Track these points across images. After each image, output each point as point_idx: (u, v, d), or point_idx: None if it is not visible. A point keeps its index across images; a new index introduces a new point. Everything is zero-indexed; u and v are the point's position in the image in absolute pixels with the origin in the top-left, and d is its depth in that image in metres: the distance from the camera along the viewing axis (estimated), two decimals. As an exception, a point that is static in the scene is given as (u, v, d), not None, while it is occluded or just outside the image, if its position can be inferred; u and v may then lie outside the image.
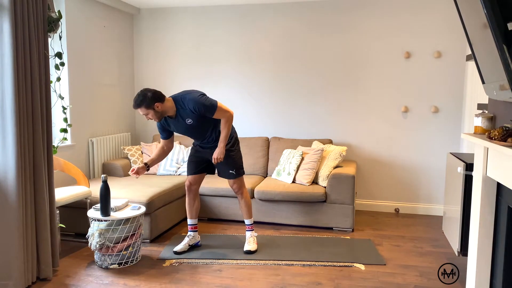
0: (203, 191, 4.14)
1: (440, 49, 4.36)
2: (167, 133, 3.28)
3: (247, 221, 3.48)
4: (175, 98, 3.11)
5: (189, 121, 3.11)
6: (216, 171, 3.44)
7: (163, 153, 3.32)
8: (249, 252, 3.35)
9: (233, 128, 3.37)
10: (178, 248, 3.38)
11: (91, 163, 4.39)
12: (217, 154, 3.16)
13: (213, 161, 3.19)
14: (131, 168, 3.18)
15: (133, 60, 5.17)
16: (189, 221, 3.47)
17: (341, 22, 4.57)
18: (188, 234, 3.46)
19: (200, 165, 3.37)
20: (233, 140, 3.33)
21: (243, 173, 3.39)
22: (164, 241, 3.68)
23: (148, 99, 2.95)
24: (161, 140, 3.33)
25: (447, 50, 4.35)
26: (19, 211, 2.65)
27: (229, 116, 3.14)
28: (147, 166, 3.22)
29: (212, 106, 3.06)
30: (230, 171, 3.31)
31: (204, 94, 3.12)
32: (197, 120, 3.12)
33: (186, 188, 3.41)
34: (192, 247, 3.47)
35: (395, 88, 4.51)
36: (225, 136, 3.16)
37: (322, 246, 3.54)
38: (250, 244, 3.42)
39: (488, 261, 2.37)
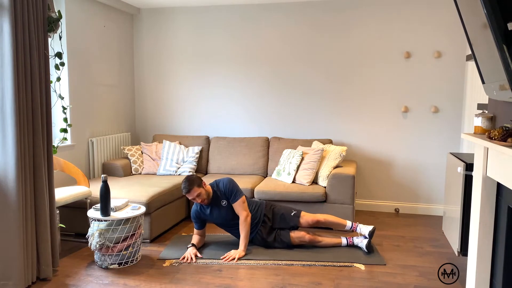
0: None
1: (440, 49, 4.36)
2: (200, 223, 3.42)
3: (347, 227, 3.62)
4: (211, 183, 3.42)
5: (224, 202, 3.36)
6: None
7: (202, 238, 3.48)
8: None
9: (257, 211, 3.49)
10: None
11: (91, 163, 4.39)
12: (234, 253, 3.25)
13: (222, 258, 3.24)
14: (183, 258, 3.23)
15: (133, 60, 5.17)
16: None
17: (341, 22, 4.57)
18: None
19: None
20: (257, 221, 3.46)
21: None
22: (164, 241, 3.68)
23: (196, 178, 3.24)
24: (194, 230, 3.46)
25: (447, 50, 4.34)
26: (19, 211, 2.64)
27: (247, 217, 3.31)
28: (195, 246, 3.36)
29: (238, 193, 3.33)
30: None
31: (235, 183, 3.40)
32: (229, 202, 3.37)
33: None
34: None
35: (395, 88, 4.52)
36: (244, 236, 3.31)
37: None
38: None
39: (488, 261, 2.37)
